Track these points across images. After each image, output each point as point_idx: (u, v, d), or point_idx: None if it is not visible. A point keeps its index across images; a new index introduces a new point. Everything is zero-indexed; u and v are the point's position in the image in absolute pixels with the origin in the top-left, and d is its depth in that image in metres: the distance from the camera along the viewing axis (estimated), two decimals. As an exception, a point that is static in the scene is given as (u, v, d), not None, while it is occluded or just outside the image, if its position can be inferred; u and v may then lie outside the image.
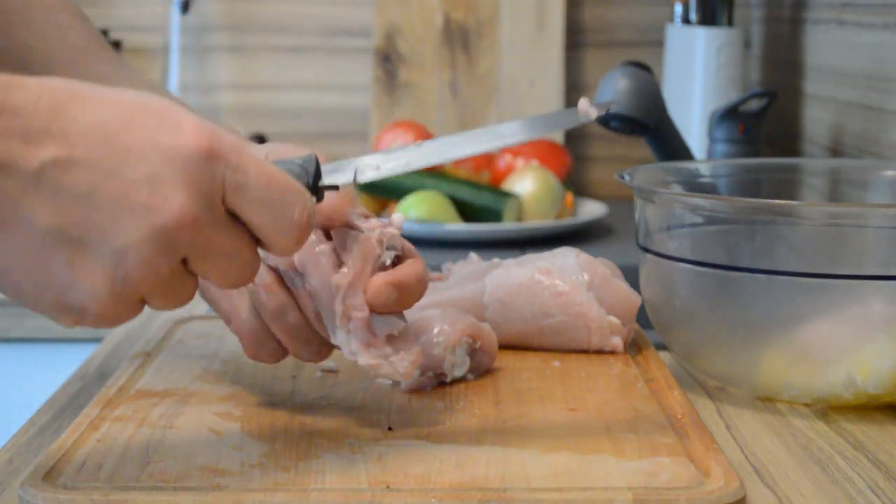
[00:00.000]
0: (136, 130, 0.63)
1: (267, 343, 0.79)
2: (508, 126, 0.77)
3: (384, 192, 1.68)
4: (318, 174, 0.71)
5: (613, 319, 0.95)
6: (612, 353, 0.96)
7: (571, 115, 0.79)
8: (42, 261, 0.62)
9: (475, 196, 1.64)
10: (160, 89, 0.98)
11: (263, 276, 0.77)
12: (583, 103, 0.78)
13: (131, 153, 0.62)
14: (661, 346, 0.99)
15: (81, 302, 0.63)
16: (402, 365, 0.77)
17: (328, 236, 0.78)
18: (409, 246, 0.80)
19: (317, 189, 0.71)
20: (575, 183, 1.99)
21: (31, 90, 0.61)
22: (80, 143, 0.62)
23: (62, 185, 0.61)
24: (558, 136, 1.97)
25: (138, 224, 0.62)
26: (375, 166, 0.74)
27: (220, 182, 0.64)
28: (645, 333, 1.01)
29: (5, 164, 0.61)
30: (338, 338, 0.77)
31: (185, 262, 0.65)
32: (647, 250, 0.96)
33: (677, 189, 1.05)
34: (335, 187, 0.73)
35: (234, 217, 0.65)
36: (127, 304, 0.64)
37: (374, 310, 0.76)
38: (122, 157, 0.62)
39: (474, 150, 0.76)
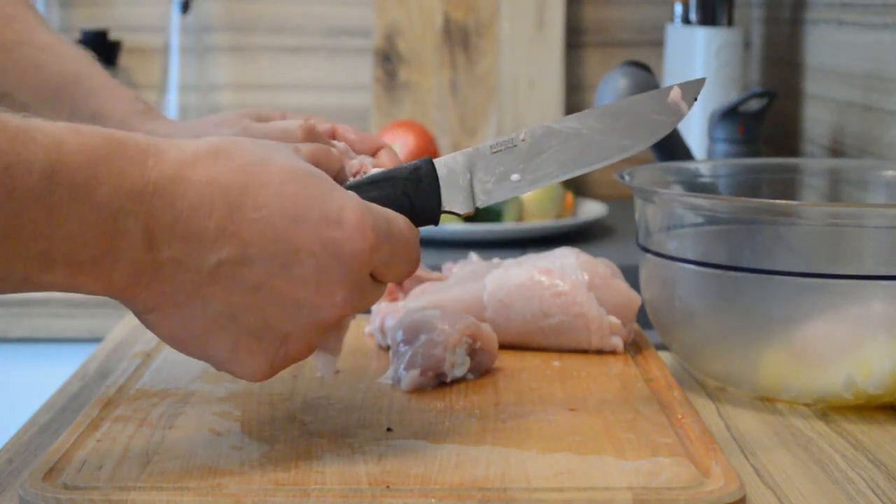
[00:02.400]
0: (304, 227, 0.67)
1: None
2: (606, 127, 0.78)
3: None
4: (433, 177, 0.75)
5: (613, 319, 0.95)
6: (612, 353, 0.96)
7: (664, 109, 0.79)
8: (210, 338, 0.67)
9: (475, 196, 1.64)
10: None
11: None
12: (675, 93, 0.78)
13: (301, 251, 0.67)
14: (661, 346, 0.99)
15: (239, 373, 0.69)
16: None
17: None
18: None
19: (438, 207, 0.75)
20: (575, 183, 1.99)
21: (202, 186, 0.65)
22: (253, 241, 0.66)
23: (236, 278, 0.66)
24: (558, 136, 1.96)
25: (303, 316, 0.67)
26: (487, 191, 0.77)
27: (373, 266, 0.69)
28: (645, 333, 1.01)
29: (184, 263, 0.65)
30: None
31: None
32: (647, 250, 0.96)
33: (677, 189, 1.05)
34: (457, 214, 0.76)
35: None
36: (276, 373, 0.70)
37: None
38: (293, 255, 0.67)
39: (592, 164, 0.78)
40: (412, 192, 0.74)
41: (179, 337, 0.68)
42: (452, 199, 0.76)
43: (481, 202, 0.76)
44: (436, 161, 0.76)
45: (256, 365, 0.69)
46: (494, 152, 0.77)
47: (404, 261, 0.71)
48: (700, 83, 0.78)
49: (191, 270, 0.66)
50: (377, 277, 0.70)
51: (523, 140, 0.77)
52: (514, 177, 0.76)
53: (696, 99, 0.77)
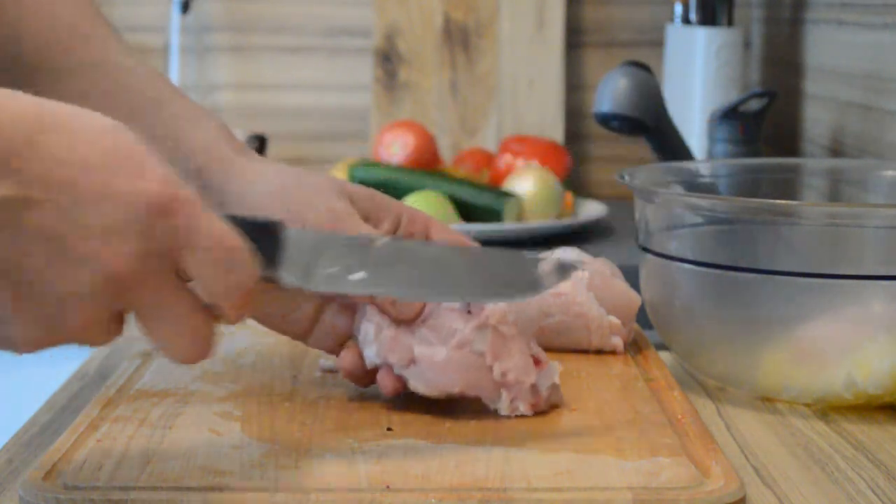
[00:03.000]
0: (97, 174, 0.61)
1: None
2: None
3: (384, 193, 1.68)
4: (277, 242, 0.71)
5: (613, 319, 0.95)
6: (612, 353, 0.96)
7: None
8: None
9: (475, 196, 1.64)
10: (161, 76, 0.97)
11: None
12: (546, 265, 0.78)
13: (88, 200, 0.60)
14: (661, 346, 0.99)
15: (11, 336, 0.63)
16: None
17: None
18: None
19: (274, 258, 0.70)
20: (575, 183, 1.99)
21: (4, 113, 0.59)
22: (38, 183, 0.60)
23: (12, 223, 0.60)
24: (558, 136, 1.97)
25: (84, 273, 0.61)
26: (326, 277, 0.73)
27: (171, 238, 0.62)
28: (645, 333, 1.01)
29: None
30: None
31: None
32: (647, 250, 0.96)
33: (677, 189, 1.05)
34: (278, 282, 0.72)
35: (183, 279, 0.64)
36: (55, 343, 0.64)
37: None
38: (79, 203, 0.60)
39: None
40: (253, 239, 0.69)
41: None
42: (289, 269, 0.71)
43: (313, 285, 0.72)
44: (289, 230, 0.72)
45: (28, 329, 0.62)
46: (346, 244, 0.74)
47: (212, 259, 0.63)
48: (573, 269, 0.79)
49: None
50: (181, 265, 0.63)
51: (381, 246, 0.74)
52: (358, 275, 0.73)
53: (567, 279, 0.78)
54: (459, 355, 0.79)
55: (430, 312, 0.81)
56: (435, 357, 0.79)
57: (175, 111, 0.91)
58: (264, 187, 0.86)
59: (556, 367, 0.81)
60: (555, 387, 0.81)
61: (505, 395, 0.80)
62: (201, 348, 0.65)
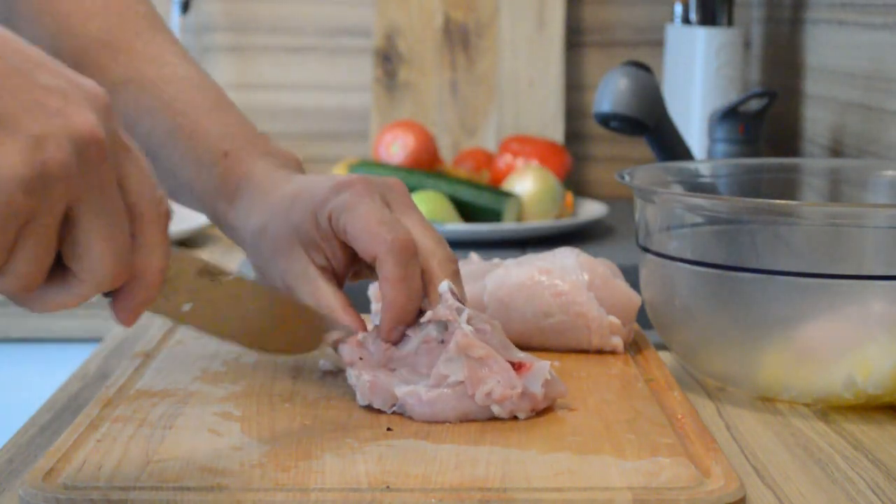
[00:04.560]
0: (46, 59, 0.61)
1: None
2: None
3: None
4: None
5: (613, 319, 0.95)
6: (612, 353, 0.96)
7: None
8: None
9: (475, 196, 1.64)
10: (201, 85, 0.97)
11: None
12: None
13: (42, 66, 0.60)
14: (661, 346, 0.99)
15: None
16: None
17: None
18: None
19: None
20: (575, 183, 1.99)
21: None
22: None
23: None
24: (558, 136, 1.97)
25: (54, 122, 0.59)
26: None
27: (115, 130, 0.62)
28: (645, 333, 1.01)
29: None
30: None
31: (67, 220, 0.61)
32: (647, 250, 0.96)
33: (677, 189, 1.05)
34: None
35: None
36: (36, 201, 0.59)
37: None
38: (35, 66, 0.60)
39: None
40: None
41: None
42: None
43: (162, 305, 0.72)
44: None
45: (13, 161, 0.57)
46: (199, 274, 0.73)
47: (141, 170, 0.62)
48: (348, 335, 0.83)
49: None
50: (119, 173, 0.62)
51: (228, 279, 0.74)
52: (185, 307, 0.73)
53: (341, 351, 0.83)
54: (441, 392, 0.80)
55: (406, 349, 0.83)
56: (418, 397, 0.80)
57: (204, 127, 0.93)
58: (256, 222, 0.89)
59: (544, 367, 0.81)
60: (548, 383, 0.81)
61: (498, 410, 0.80)
62: (118, 273, 0.62)
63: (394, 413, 0.81)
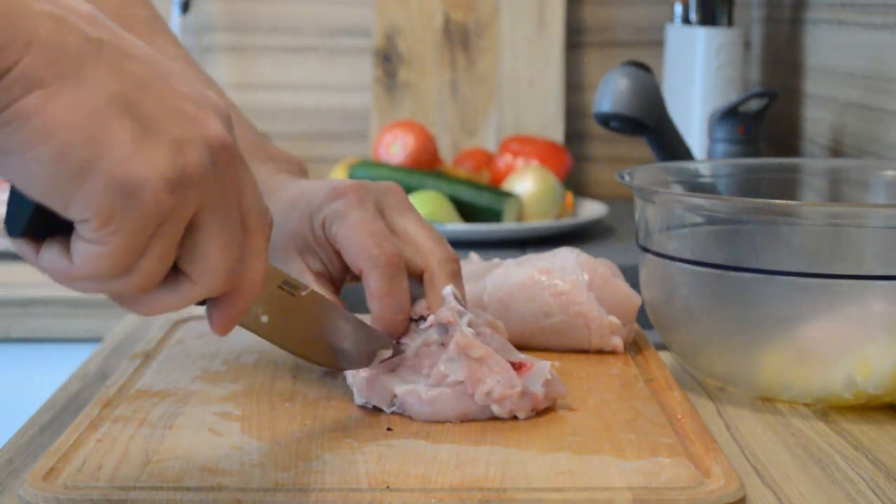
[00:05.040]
0: (175, 67, 0.63)
1: None
2: None
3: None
4: None
5: (613, 319, 0.95)
6: (612, 353, 0.96)
7: None
8: (105, 123, 0.58)
9: (475, 196, 1.64)
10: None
11: None
12: None
13: (175, 74, 0.62)
14: (661, 346, 0.99)
15: (140, 176, 0.58)
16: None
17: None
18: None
19: None
20: (575, 183, 1.99)
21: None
22: (130, 44, 0.60)
23: (121, 67, 0.59)
24: (558, 136, 1.97)
25: (192, 128, 0.61)
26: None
27: (235, 140, 0.63)
28: (645, 333, 1.01)
29: (65, 22, 0.58)
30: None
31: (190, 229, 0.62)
32: (647, 250, 0.96)
33: (677, 189, 1.05)
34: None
35: None
36: (176, 202, 0.60)
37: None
38: (169, 72, 0.62)
39: None
40: None
41: (72, 122, 0.57)
42: None
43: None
44: None
45: (159, 162, 0.59)
46: (279, 287, 0.75)
47: (252, 180, 0.65)
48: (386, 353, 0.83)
49: (72, 33, 0.58)
50: (237, 182, 0.64)
51: (303, 294, 0.76)
52: (263, 318, 0.74)
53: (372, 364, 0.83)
54: (441, 391, 0.80)
55: (406, 349, 0.83)
56: (418, 396, 0.80)
57: None
58: None
59: (544, 367, 0.81)
60: (549, 383, 0.81)
61: (498, 410, 0.80)
62: (229, 279, 0.64)
63: (394, 413, 0.81)
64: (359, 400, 0.83)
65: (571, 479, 0.70)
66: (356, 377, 0.82)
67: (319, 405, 0.83)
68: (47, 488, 0.68)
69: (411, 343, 0.83)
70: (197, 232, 0.62)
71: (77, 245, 0.59)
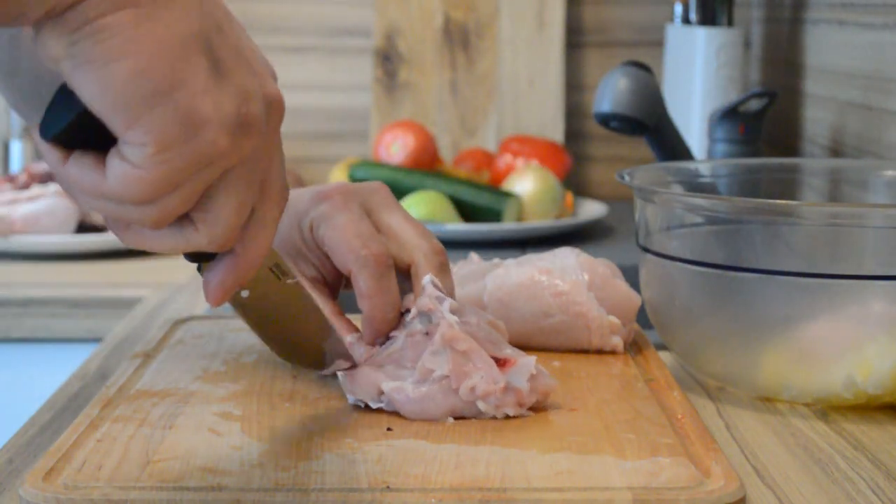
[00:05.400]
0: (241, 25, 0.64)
1: None
2: None
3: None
4: None
5: (613, 319, 0.95)
6: (612, 353, 0.96)
7: None
8: (188, 55, 0.58)
9: (475, 196, 1.64)
10: None
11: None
12: None
13: (241, 28, 0.63)
14: (661, 346, 0.99)
15: (208, 114, 0.59)
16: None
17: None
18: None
19: None
20: (575, 183, 1.99)
21: None
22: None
23: (205, 4, 0.60)
24: (558, 136, 1.97)
25: (256, 81, 0.62)
26: None
27: (279, 118, 0.64)
28: (645, 333, 1.01)
29: None
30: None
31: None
32: (647, 250, 0.96)
33: (677, 189, 1.05)
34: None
35: None
36: (230, 147, 0.60)
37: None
38: (239, 25, 0.62)
39: None
40: None
41: (160, 46, 0.58)
42: None
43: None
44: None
45: (227, 106, 0.60)
46: (270, 268, 0.75)
47: (280, 151, 0.65)
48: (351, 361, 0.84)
49: None
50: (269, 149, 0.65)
51: (289, 281, 0.76)
52: (244, 293, 0.75)
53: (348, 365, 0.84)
54: (428, 389, 0.80)
55: (392, 346, 0.83)
56: (405, 393, 0.80)
57: None
58: None
59: (529, 362, 0.81)
60: (534, 377, 0.81)
61: (484, 406, 0.80)
62: (230, 237, 0.63)
63: (380, 409, 0.81)
64: (350, 398, 0.83)
65: (571, 479, 0.70)
66: (341, 379, 0.83)
67: (319, 405, 0.83)
68: (47, 488, 0.68)
69: (399, 335, 0.84)
70: (220, 182, 0.62)
71: (115, 164, 0.59)
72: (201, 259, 0.66)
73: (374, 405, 0.81)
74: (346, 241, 0.84)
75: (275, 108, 0.63)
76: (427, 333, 0.82)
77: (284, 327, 0.80)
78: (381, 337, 0.84)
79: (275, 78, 0.64)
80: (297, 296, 0.78)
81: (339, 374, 0.83)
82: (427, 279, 0.85)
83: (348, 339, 0.85)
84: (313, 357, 0.83)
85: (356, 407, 0.82)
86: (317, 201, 0.87)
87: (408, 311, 0.84)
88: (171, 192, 0.60)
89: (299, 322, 0.80)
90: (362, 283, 0.84)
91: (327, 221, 0.86)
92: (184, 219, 0.63)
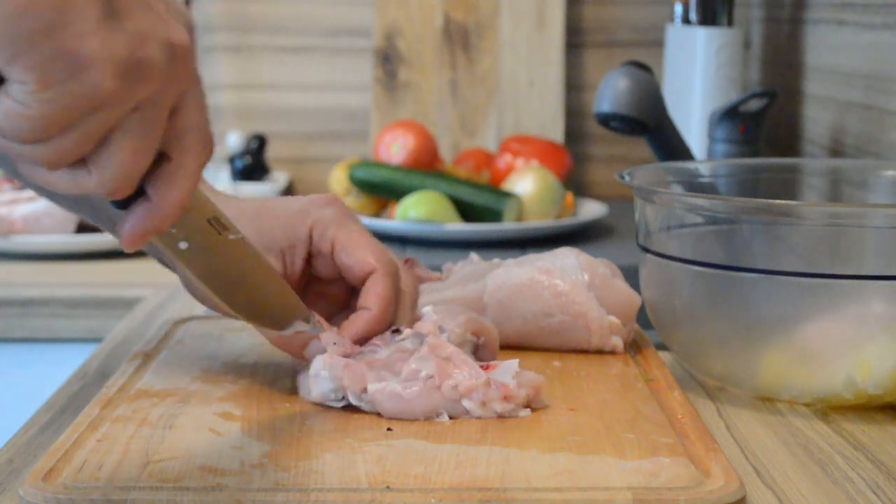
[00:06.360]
0: None
1: None
2: None
3: (384, 193, 1.68)
4: None
5: (613, 319, 0.95)
6: (612, 353, 0.96)
7: None
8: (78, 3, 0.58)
9: (475, 196, 1.64)
10: None
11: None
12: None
13: None
14: (661, 346, 0.99)
15: (94, 54, 0.58)
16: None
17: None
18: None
19: None
20: (575, 183, 1.99)
21: None
22: None
23: None
24: (558, 136, 1.97)
25: (159, 27, 0.61)
26: None
27: (194, 56, 0.63)
28: (645, 333, 1.01)
29: None
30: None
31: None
32: (647, 250, 0.96)
33: (677, 189, 1.05)
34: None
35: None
36: (120, 91, 0.59)
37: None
38: None
39: None
40: None
41: None
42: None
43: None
44: None
45: (116, 47, 0.58)
46: (208, 222, 0.74)
47: (200, 102, 0.64)
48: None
49: None
50: (181, 97, 0.63)
51: (231, 237, 0.75)
52: (182, 245, 0.73)
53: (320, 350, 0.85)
54: (410, 387, 0.81)
55: (377, 355, 0.84)
56: (388, 392, 0.81)
57: None
58: None
59: (512, 363, 0.82)
60: (519, 374, 0.82)
61: (471, 405, 0.80)
62: (120, 185, 0.62)
63: (351, 406, 0.82)
64: (309, 394, 0.83)
65: (571, 479, 0.70)
66: (331, 359, 0.83)
67: (319, 405, 0.83)
68: (47, 488, 0.68)
69: (381, 347, 0.85)
70: (116, 126, 0.61)
71: (2, 99, 0.58)
72: (124, 206, 0.65)
73: (354, 402, 0.81)
74: (367, 245, 0.87)
75: (179, 54, 0.61)
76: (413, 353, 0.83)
77: (235, 282, 0.78)
78: (368, 339, 0.85)
79: (189, 27, 0.63)
80: (244, 252, 0.76)
81: (321, 366, 0.83)
82: (428, 309, 0.88)
83: (323, 335, 0.85)
84: (270, 316, 0.82)
85: (356, 407, 0.82)
86: (318, 206, 0.89)
87: (397, 330, 0.86)
88: (62, 133, 0.59)
89: (252, 278, 0.78)
90: (383, 286, 0.86)
91: (339, 224, 0.88)
92: (80, 161, 0.62)
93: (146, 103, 0.61)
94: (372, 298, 0.86)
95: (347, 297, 0.91)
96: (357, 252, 0.87)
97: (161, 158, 0.64)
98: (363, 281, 0.87)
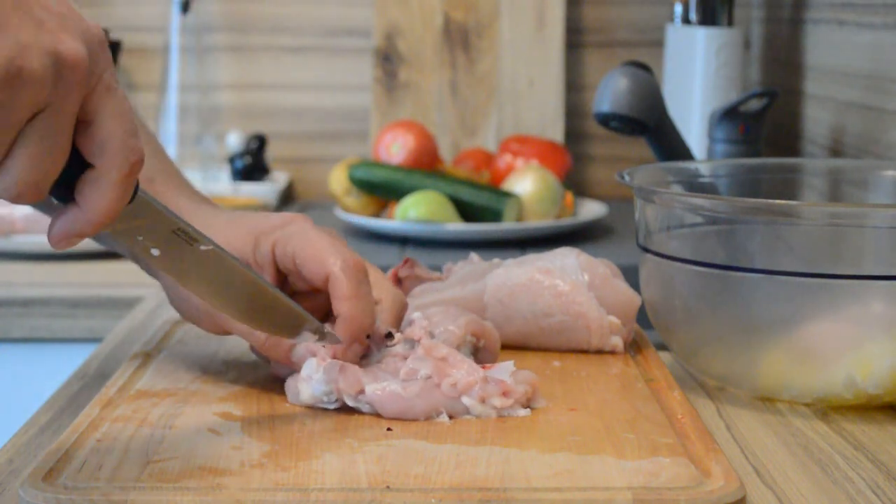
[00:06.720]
0: None
1: None
2: None
3: (384, 193, 1.68)
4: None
5: (613, 319, 0.95)
6: (612, 353, 0.96)
7: None
8: None
9: (475, 196, 1.64)
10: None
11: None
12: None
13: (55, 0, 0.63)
14: (661, 346, 0.99)
15: None
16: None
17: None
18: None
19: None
20: (575, 183, 1.99)
21: None
22: None
23: None
24: (558, 136, 1.97)
25: (44, 38, 0.61)
26: None
27: (104, 69, 0.64)
28: (645, 333, 1.01)
29: None
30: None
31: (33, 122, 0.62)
32: (647, 250, 0.96)
33: (677, 189, 1.05)
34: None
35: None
36: (7, 97, 0.61)
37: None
38: None
39: None
40: None
41: None
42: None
43: (122, 234, 0.73)
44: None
45: (9, 40, 0.60)
46: (173, 233, 0.74)
47: (119, 112, 0.65)
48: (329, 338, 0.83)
49: None
50: (93, 107, 0.64)
51: (203, 248, 0.75)
52: (154, 251, 0.74)
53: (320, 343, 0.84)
54: (410, 387, 0.81)
55: (371, 359, 0.85)
56: (387, 392, 0.81)
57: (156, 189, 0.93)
58: None
59: (507, 363, 0.83)
60: (516, 373, 0.82)
61: (471, 402, 0.80)
62: (23, 191, 0.63)
63: (348, 408, 0.82)
64: (297, 397, 0.83)
65: (571, 479, 0.70)
66: (324, 363, 0.82)
67: (319, 405, 0.83)
68: (47, 488, 0.68)
69: (374, 353, 0.85)
70: (19, 134, 0.62)
71: None
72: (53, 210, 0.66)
73: (351, 403, 0.81)
74: (323, 249, 0.86)
75: (69, 64, 0.62)
76: (406, 358, 0.84)
77: (221, 289, 0.78)
78: (357, 345, 0.85)
79: (90, 41, 0.63)
80: (220, 263, 0.76)
81: (314, 369, 0.83)
82: (417, 314, 0.88)
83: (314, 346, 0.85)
84: (271, 322, 0.82)
85: (356, 407, 0.82)
86: (283, 224, 0.89)
87: (389, 335, 0.86)
88: None
89: (242, 290, 0.78)
90: (342, 284, 0.85)
91: (299, 237, 0.87)
92: None
93: (45, 112, 0.62)
94: (336, 303, 0.85)
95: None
96: (312, 262, 0.86)
97: (88, 166, 0.65)
98: (327, 287, 0.87)
